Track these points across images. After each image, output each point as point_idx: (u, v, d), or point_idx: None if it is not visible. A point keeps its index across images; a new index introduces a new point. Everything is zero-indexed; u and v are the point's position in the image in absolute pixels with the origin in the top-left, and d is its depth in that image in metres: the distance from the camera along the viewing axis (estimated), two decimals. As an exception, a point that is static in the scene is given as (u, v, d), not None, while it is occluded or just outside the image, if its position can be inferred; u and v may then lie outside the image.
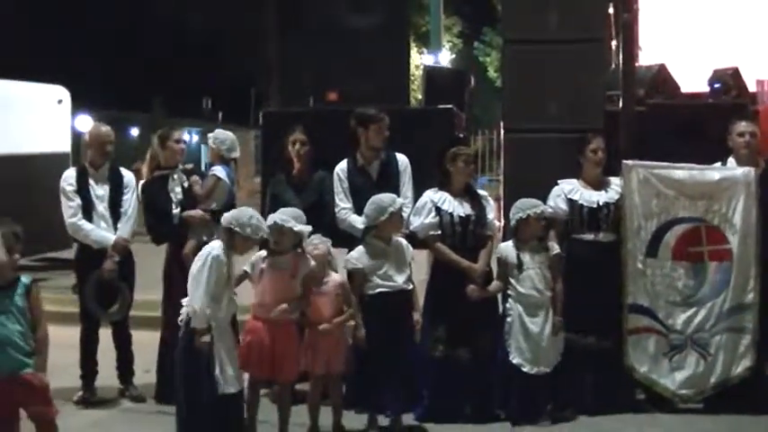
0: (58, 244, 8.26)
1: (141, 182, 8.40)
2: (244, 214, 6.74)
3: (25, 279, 6.10)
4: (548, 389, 7.60)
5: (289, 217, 6.98)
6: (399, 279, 7.33)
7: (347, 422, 7.40)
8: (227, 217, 6.72)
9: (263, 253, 7.01)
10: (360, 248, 7.41)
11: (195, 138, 51.10)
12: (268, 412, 7.23)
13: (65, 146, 15.25)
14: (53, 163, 14.50)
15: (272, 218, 6.99)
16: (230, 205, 8.27)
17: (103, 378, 8.41)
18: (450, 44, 39.30)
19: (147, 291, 8.93)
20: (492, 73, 38.75)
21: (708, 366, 7.80)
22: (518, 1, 8.65)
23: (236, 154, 8.50)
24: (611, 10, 10.51)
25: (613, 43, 11.04)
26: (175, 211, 8.19)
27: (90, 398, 8.23)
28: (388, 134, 8.01)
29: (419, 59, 35.34)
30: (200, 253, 6.71)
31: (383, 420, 7.42)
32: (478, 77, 41.45)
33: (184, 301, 6.68)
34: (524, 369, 7.54)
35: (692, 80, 11.18)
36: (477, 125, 25.43)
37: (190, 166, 8.55)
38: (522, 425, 7.53)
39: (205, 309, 6.49)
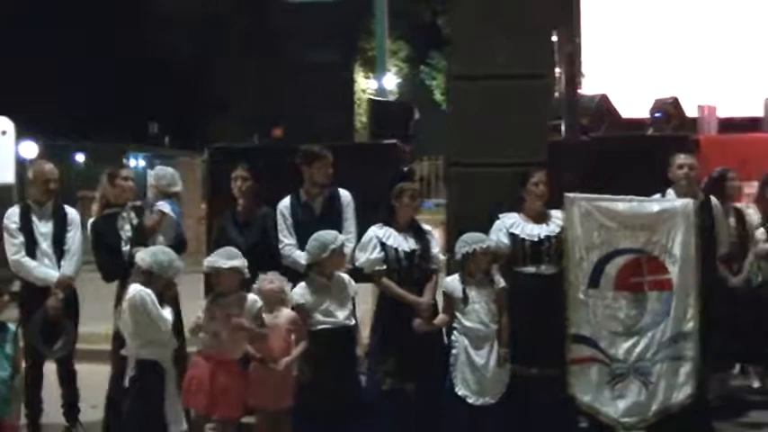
0: (4, 277, 8.28)
1: (91, 219, 8.40)
2: (165, 257, 6.78)
3: (12, 326, 6.08)
4: (493, 419, 7.64)
5: (222, 257, 7.04)
6: (341, 315, 7.42)
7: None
8: (146, 260, 6.73)
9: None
10: (302, 284, 7.48)
11: (142, 163, 51.06)
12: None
13: (8, 177, 15.17)
14: (-3, 194, 14.48)
15: (206, 263, 7.08)
16: (179, 239, 8.32)
17: (48, 414, 8.38)
18: (397, 68, 39.45)
19: (93, 323, 8.91)
20: (438, 96, 38.95)
21: (650, 394, 7.88)
22: (465, 36, 8.71)
23: (178, 188, 8.54)
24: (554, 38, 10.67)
25: (557, 70, 11.19)
26: (125, 248, 8.18)
27: (35, 437, 8.20)
28: (332, 171, 8.06)
29: (365, 83, 35.50)
30: (126, 297, 6.70)
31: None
32: (424, 101, 41.73)
33: (123, 351, 6.71)
34: (469, 400, 7.59)
35: (634, 107, 11.37)
36: (423, 149, 25.50)
37: (139, 203, 8.56)
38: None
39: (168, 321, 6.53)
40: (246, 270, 7.07)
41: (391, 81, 37.29)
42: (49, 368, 8.38)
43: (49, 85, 40.80)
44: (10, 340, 6.02)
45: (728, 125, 11.48)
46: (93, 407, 8.66)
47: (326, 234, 7.41)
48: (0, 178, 14.90)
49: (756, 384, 9.53)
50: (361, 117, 28.61)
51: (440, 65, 38.85)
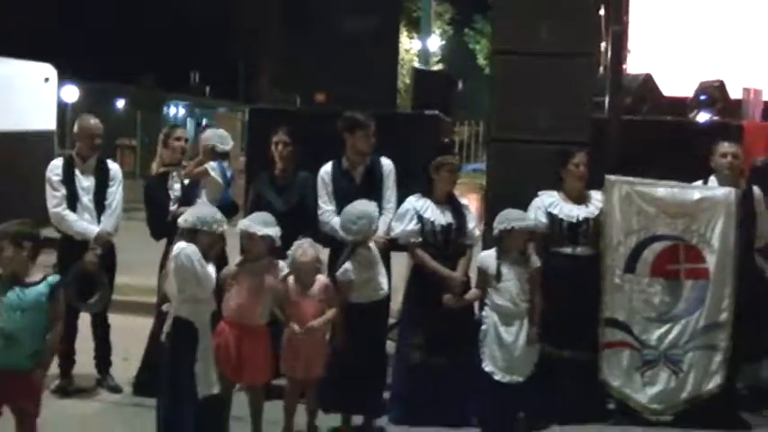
0: (41, 221, 8.33)
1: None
2: (206, 212, 6.81)
3: (52, 280, 6.11)
4: (520, 398, 7.65)
5: (257, 222, 7.03)
6: (385, 285, 7.49)
7: (321, 422, 7.46)
8: (188, 219, 6.70)
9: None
10: (350, 262, 7.46)
11: (182, 111, 51.13)
12: (244, 408, 7.27)
13: (50, 124, 15.28)
14: (39, 141, 14.59)
15: (240, 225, 7.07)
16: (226, 202, 8.33)
17: (81, 365, 8.47)
18: (441, 30, 39.29)
19: (127, 274, 8.97)
20: (481, 60, 38.79)
21: (680, 382, 7.89)
22: (510, 12, 8.66)
23: (228, 147, 8.51)
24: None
25: (602, 45, 11.09)
26: (173, 208, 8.23)
27: (67, 386, 8.29)
28: (374, 140, 8.05)
29: (409, 44, 35.35)
30: (171, 255, 6.73)
31: (357, 420, 7.55)
32: (467, 65, 41.54)
33: (164, 307, 6.75)
34: (496, 377, 7.59)
35: (678, 87, 11.25)
36: (464, 113, 25.48)
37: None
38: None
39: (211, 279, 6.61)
40: (279, 238, 7.06)
41: (435, 43, 37.16)
42: (84, 319, 8.44)
43: (92, 29, 40.86)
44: (45, 293, 6.03)
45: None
46: (124, 359, 8.74)
47: (366, 206, 7.40)
48: (42, 125, 14.97)
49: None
50: (404, 78, 28.51)
51: (484, 29, 38.75)
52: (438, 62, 38.53)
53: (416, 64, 35.07)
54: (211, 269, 6.65)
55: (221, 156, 8.42)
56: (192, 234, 6.64)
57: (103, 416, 7.88)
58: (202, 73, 51.12)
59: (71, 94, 30.29)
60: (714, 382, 7.88)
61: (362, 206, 7.41)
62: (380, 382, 7.63)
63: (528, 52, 8.57)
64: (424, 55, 33.10)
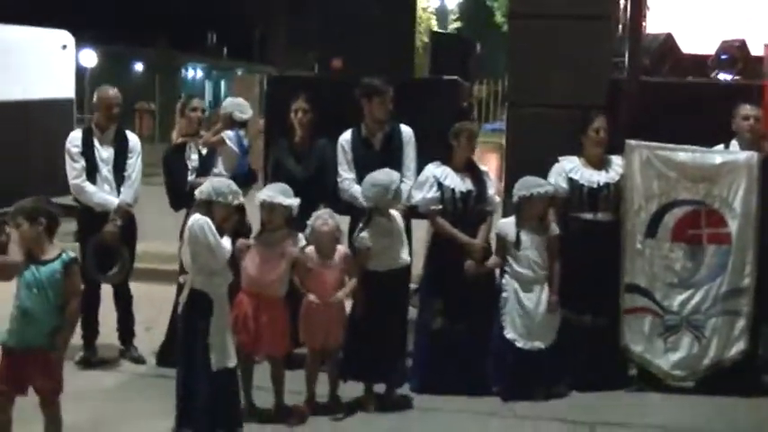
0: (61, 189, 8.38)
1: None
2: (221, 184, 6.79)
3: (66, 256, 6.07)
4: (541, 365, 7.67)
5: (276, 192, 7.02)
6: (404, 254, 7.43)
7: (344, 391, 7.46)
8: (203, 190, 6.68)
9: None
10: (368, 229, 7.45)
11: (200, 73, 51.17)
12: (265, 378, 7.28)
13: (69, 92, 15.25)
14: (57, 109, 14.59)
15: (261, 195, 7.04)
16: (243, 171, 8.32)
17: (105, 335, 8.50)
18: (458, -14, 39.02)
19: (148, 242, 8.99)
20: (499, 18, 38.48)
21: (702, 348, 7.87)
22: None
23: (246, 116, 8.49)
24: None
25: (621, 2, 10.97)
26: (191, 178, 8.23)
27: (91, 357, 8.31)
28: (392, 107, 8.00)
29: (427, 2, 35.16)
30: (186, 227, 6.72)
31: (378, 388, 7.53)
32: (485, 22, 41.27)
33: (181, 279, 6.75)
34: (518, 344, 7.62)
35: (699, 44, 11.14)
36: (482, 72, 25.31)
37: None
38: (515, 399, 7.62)
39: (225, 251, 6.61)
40: (297, 208, 7.05)
41: (452, 0, 36.97)
42: (106, 290, 8.47)
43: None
44: (60, 269, 6.01)
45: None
46: (147, 329, 8.78)
47: (384, 176, 7.35)
48: (61, 93, 14.94)
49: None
50: (422, 36, 28.36)
51: (501, -15, 38.42)
52: (456, 20, 38.32)
53: (434, 22, 34.97)
54: (226, 241, 6.64)
55: (239, 124, 8.40)
56: (207, 205, 6.64)
57: (126, 387, 7.90)
58: (219, 34, 51.01)
59: (89, 58, 30.31)
60: (737, 349, 7.85)
61: (381, 175, 7.35)
62: (401, 351, 7.63)
63: (545, 15, 8.51)
64: (441, 12, 33.03)
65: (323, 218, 7.16)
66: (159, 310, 8.48)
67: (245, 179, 8.19)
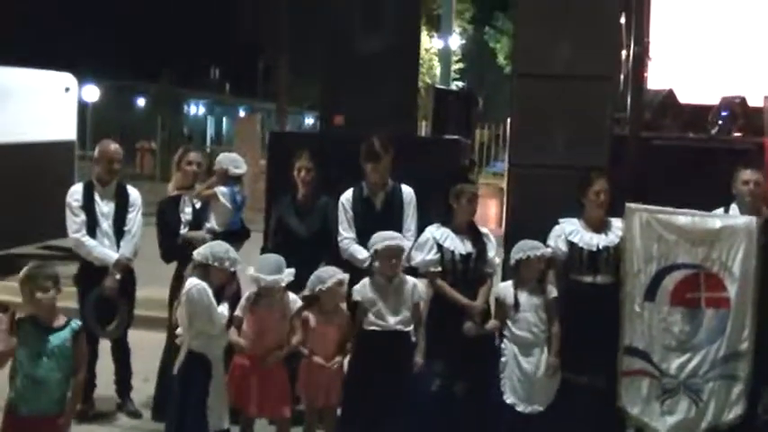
0: (62, 232, 8.45)
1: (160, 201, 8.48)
2: (220, 248, 6.79)
3: (75, 325, 6.11)
4: (540, 425, 7.66)
5: (262, 270, 6.97)
6: (391, 320, 7.38)
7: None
8: (201, 252, 6.73)
9: (248, 294, 7.08)
10: (365, 281, 7.48)
11: (202, 109, 51.30)
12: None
13: (70, 134, 15.31)
14: (59, 151, 14.64)
15: (249, 273, 7.01)
16: (236, 226, 8.35)
17: (101, 386, 8.50)
18: (461, 29, 39.23)
19: (149, 288, 9.01)
20: (501, 60, 38.73)
21: (699, 412, 7.83)
22: (531, 35, 8.65)
23: (241, 171, 8.52)
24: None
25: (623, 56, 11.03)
26: (183, 230, 8.26)
27: (88, 410, 8.31)
28: (393, 166, 8.05)
29: (429, 43, 35.34)
30: (183, 291, 6.72)
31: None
32: (488, 63, 41.48)
33: (178, 340, 6.76)
34: (518, 408, 7.61)
35: (700, 98, 11.18)
36: (483, 115, 25.45)
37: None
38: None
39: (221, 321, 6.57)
40: (289, 279, 7.04)
41: (455, 42, 37.14)
42: (104, 341, 8.47)
43: (111, 28, 40.96)
44: (70, 337, 6.04)
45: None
46: (145, 380, 8.76)
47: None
48: (62, 135, 14.99)
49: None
50: (424, 77, 28.47)
51: (505, 27, 38.64)
52: (458, 61, 38.51)
53: (436, 62, 35.10)
54: (223, 308, 6.65)
55: (234, 179, 8.42)
56: (204, 269, 6.65)
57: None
58: (222, 68, 51.20)
59: (91, 93, 30.38)
60: (734, 413, 7.83)
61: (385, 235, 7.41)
62: (398, 412, 7.56)
63: (547, 75, 8.56)
64: (444, 53, 33.14)
65: (331, 273, 7.15)
66: (157, 359, 8.46)
67: (238, 235, 8.24)
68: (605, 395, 7.88)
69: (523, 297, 7.65)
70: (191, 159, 8.52)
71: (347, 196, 8.15)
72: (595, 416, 7.85)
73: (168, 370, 7.74)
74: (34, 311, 6.00)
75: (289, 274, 6.99)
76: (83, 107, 20.61)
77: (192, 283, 6.63)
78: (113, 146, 8.42)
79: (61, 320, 6.06)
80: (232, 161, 8.49)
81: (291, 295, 7.09)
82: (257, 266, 7.06)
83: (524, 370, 7.59)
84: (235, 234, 8.14)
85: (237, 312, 6.96)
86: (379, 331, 7.37)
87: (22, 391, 5.95)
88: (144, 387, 8.73)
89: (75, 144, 15.38)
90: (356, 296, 7.42)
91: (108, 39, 40.05)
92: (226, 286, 6.80)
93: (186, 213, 8.34)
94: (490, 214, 19.87)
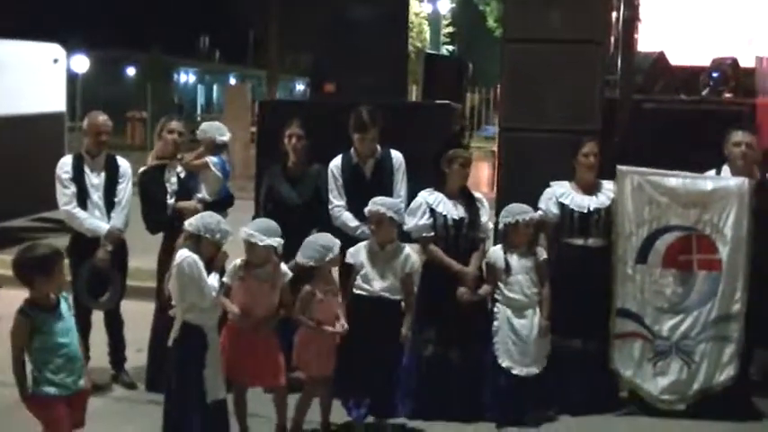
0: (53, 204, 8.43)
1: (141, 169, 8.43)
2: (212, 219, 6.75)
3: (66, 294, 6.11)
4: (534, 390, 7.70)
5: (258, 230, 6.90)
6: (376, 285, 7.31)
7: (336, 416, 7.50)
8: (193, 223, 6.67)
9: (238, 261, 6.99)
10: (360, 245, 7.47)
11: (192, 78, 51.15)
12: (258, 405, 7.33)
13: (60, 106, 15.24)
14: (48, 123, 14.58)
15: (242, 231, 6.93)
16: (224, 195, 8.35)
17: (95, 359, 8.48)
18: (451, -7, 39.08)
19: (141, 258, 9.00)
20: (491, 23, 38.54)
21: (691, 373, 7.90)
22: (521, 0, 8.64)
23: (225, 138, 8.49)
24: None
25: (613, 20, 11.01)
26: (170, 201, 8.22)
27: (82, 382, 8.31)
28: (384, 133, 8.02)
29: (419, 7, 35.20)
30: (174, 263, 6.69)
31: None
32: (477, 27, 41.34)
33: (171, 312, 6.75)
34: (514, 371, 7.63)
35: (692, 59, 11.17)
36: (474, 79, 25.41)
37: (187, 155, 8.51)
38: (508, 425, 7.64)
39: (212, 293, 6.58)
40: (281, 248, 6.96)
41: (445, 6, 37.02)
42: (97, 313, 8.47)
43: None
44: (68, 306, 6.05)
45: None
46: (138, 350, 8.72)
47: (326, 240, 7.27)
48: (52, 107, 14.93)
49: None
50: (414, 41, 28.37)
51: (494, -11, 38.41)
52: (448, 25, 38.37)
53: (426, 27, 35.00)
54: (213, 279, 6.63)
55: (219, 147, 8.41)
56: (195, 240, 6.63)
57: (117, 413, 7.89)
58: (212, 37, 50.97)
59: (81, 64, 30.21)
60: (726, 374, 7.89)
61: (323, 239, 7.27)
62: (390, 379, 7.48)
63: (537, 39, 8.55)
64: (434, 18, 33.08)
65: (335, 241, 7.16)
66: (149, 330, 8.45)
67: (225, 203, 8.29)
68: (598, 358, 7.94)
69: (514, 260, 7.66)
70: (172, 128, 8.42)
71: (336, 163, 8.13)
72: (588, 379, 7.92)
73: (158, 341, 7.76)
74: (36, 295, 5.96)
75: (279, 243, 6.96)
76: (72, 78, 20.50)
77: (184, 255, 6.59)
78: (102, 117, 8.36)
79: (53, 298, 6.03)
80: (217, 129, 8.49)
81: (283, 266, 7.06)
82: (251, 225, 7.01)
83: (518, 332, 7.62)
84: (223, 202, 8.17)
85: (225, 279, 6.90)
86: (365, 296, 7.33)
87: (64, 375, 5.93)
88: (137, 357, 8.70)
89: (65, 116, 15.31)
90: (349, 258, 7.40)
91: (96, 8, 39.82)
92: (216, 257, 6.76)
93: (172, 183, 8.29)
94: (482, 177, 19.91)
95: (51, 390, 5.91)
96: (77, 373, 6.02)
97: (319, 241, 7.16)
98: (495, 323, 7.68)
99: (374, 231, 7.37)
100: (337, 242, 7.20)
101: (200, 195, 8.22)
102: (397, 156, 8.12)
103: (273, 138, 8.41)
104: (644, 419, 7.93)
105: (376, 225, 7.33)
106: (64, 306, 6.02)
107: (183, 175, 8.30)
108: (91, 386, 6.23)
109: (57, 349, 5.92)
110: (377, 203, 7.34)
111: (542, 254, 7.74)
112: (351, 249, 7.45)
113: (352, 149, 8.11)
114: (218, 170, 8.31)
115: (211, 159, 8.30)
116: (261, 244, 6.85)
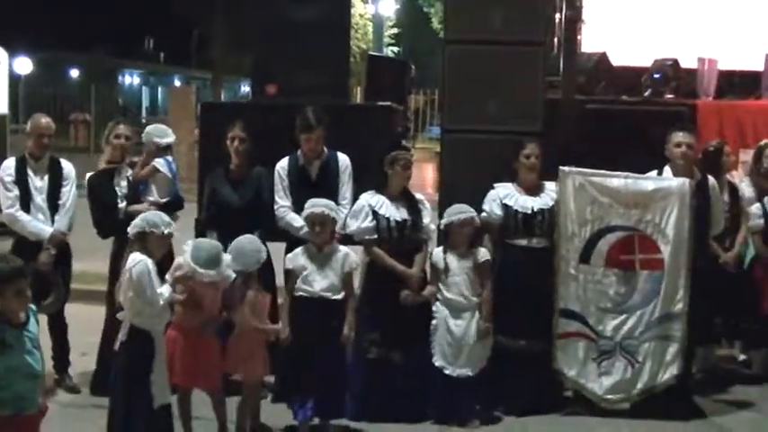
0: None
1: (89, 174, 8.37)
2: (153, 215, 6.69)
3: (35, 309, 5.88)
4: (473, 391, 7.73)
5: (199, 264, 6.76)
6: (317, 286, 7.27)
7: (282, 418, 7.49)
8: (136, 223, 6.59)
9: (181, 260, 6.89)
10: (298, 250, 7.45)
11: (137, 80, 50.80)
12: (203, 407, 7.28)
13: (2, 108, 15.09)
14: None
15: (185, 262, 6.78)
16: (174, 197, 8.30)
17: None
18: (396, -6, 39.07)
19: (85, 261, 8.90)
20: (436, 24, 38.60)
21: (635, 373, 7.96)
22: (462, 1, 8.66)
23: (170, 140, 8.45)
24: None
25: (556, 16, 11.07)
26: (121, 205, 8.19)
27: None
28: (327, 135, 8.02)
29: (364, 8, 35.19)
30: (126, 267, 6.63)
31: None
32: (421, 29, 41.38)
33: (119, 315, 6.68)
34: (446, 371, 7.68)
35: (634, 60, 11.26)
36: (419, 80, 25.47)
37: (136, 159, 8.47)
38: (449, 425, 7.68)
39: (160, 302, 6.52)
40: (228, 276, 6.92)
41: (390, 7, 36.99)
42: (41, 318, 8.36)
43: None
44: (34, 322, 5.85)
45: (729, 79, 11.33)
46: (83, 354, 8.67)
47: (250, 244, 7.28)
48: (-6, 109, 14.83)
49: (741, 357, 9.55)
50: (359, 42, 28.35)
51: (438, -8, 38.49)
52: (392, 26, 38.38)
53: (370, 28, 34.97)
54: (166, 288, 6.56)
55: (164, 150, 8.37)
56: (142, 240, 6.56)
57: (60, 417, 7.77)
58: (156, 39, 50.67)
59: (24, 65, 29.97)
60: (670, 373, 7.96)
61: (249, 245, 7.25)
62: (331, 381, 7.38)
63: (479, 40, 8.57)
64: (378, 19, 33.02)
65: (260, 247, 7.19)
66: (96, 334, 8.36)
67: (176, 205, 8.27)
68: (542, 358, 7.99)
69: (453, 261, 7.70)
70: (119, 132, 8.42)
71: (282, 164, 8.12)
72: (533, 379, 7.97)
73: (108, 347, 7.68)
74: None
75: (228, 272, 6.89)
76: (15, 80, 20.30)
77: (136, 259, 6.50)
78: (44, 120, 8.31)
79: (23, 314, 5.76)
80: (159, 133, 8.44)
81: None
82: (192, 253, 6.85)
83: (453, 333, 7.66)
84: (173, 204, 8.18)
85: (167, 277, 6.82)
86: (307, 297, 7.29)
87: (24, 394, 5.49)
88: (82, 362, 8.65)
89: (8, 118, 15.15)
90: (288, 264, 7.39)
91: (39, 10, 39.44)
92: (165, 256, 6.72)
93: (122, 187, 8.27)
94: (427, 179, 19.99)
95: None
96: (38, 391, 5.64)
97: (249, 246, 7.17)
98: (434, 322, 7.72)
99: (318, 233, 7.35)
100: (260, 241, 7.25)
101: (151, 198, 8.19)
102: (343, 158, 8.13)
103: (216, 140, 8.38)
104: (589, 419, 7.96)
105: (320, 226, 7.32)
106: (33, 321, 5.71)
107: (131, 179, 8.25)
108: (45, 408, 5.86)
109: (20, 371, 5.53)
110: (319, 205, 7.33)
111: (484, 255, 7.77)
112: (288, 255, 7.46)
113: (299, 151, 8.10)
114: (167, 171, 8.27)
115: (158, 161, 8.25)
116: (206, 280, 6.80)
